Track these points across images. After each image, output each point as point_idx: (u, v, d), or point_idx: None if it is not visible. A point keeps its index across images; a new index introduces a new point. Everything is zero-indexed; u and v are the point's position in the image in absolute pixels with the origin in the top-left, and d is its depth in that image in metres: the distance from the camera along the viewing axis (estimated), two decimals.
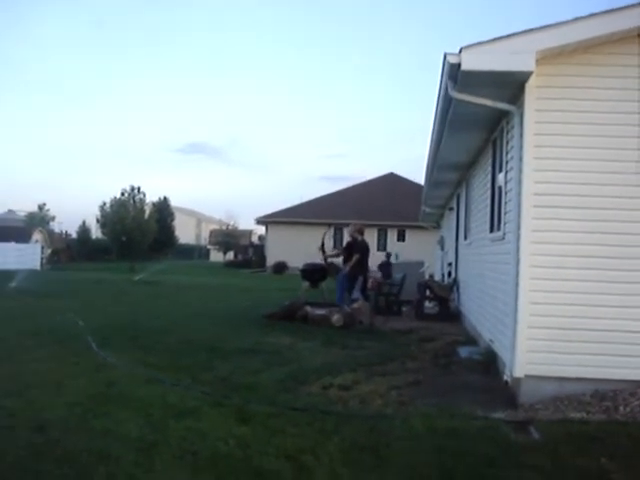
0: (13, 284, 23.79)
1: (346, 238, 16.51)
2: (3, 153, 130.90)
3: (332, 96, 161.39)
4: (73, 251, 65.56)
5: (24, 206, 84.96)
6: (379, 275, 19.83)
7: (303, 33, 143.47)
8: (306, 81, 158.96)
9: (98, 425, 5.64)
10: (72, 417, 5.90)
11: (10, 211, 78.25)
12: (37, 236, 54.99)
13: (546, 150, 6.79)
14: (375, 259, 19.94)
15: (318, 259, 16.37)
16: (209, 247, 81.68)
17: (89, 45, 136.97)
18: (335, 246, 30.81)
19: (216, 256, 74.43)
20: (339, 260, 15.68)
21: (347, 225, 16.46)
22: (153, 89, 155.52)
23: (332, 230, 37.85)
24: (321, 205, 47.23)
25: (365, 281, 14.73)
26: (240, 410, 6.22)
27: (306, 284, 16.16)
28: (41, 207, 79.27)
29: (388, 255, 26.54)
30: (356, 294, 14.09)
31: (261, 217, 49.66)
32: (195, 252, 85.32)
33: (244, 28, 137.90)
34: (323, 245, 16.15)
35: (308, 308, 13.71)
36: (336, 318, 12.90)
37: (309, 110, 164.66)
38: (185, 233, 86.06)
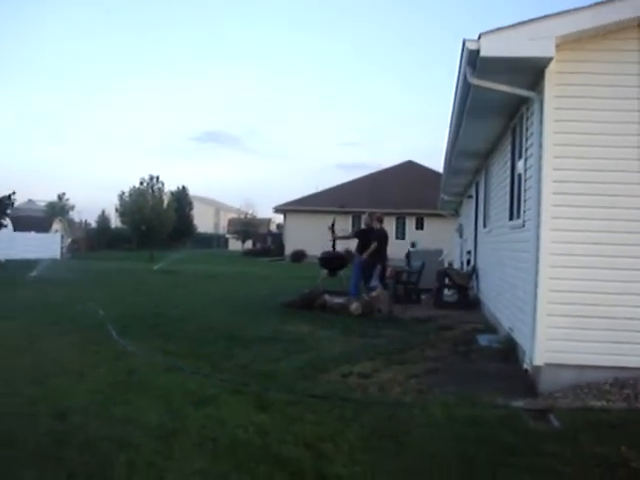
0: (34, 273, 23.97)
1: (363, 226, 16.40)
2: (22, 143, 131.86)
3: (350, 83, 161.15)
4: (93, 240, 65.93)
5: (44, 196, 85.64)
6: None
7: (319, 21, 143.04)
8: (323, 68, 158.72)
9: (118, 413, 5.68)
10: (93, 405, 5.95)
11: (30, 201, 78.62)
12: (57, 225, 55.31)
13: (566, 136, 6.74)
14: (396, 248, 19.91)
15: (328, 240, 16.33)
16: (227, 236, 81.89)
17: (106, 33, 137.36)
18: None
19: (235, 245, 74.60)
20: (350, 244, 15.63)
21: (364, 213, 16.37)
22: (170, 77, 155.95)
23: (350, 219, 37.84)
24: (339, 193, 47.16)
25: (384, 269, 14.69)
26: (259, 398, 6.25)
27: (324, 272, 16.16)
28: (61, 197, 79.79)
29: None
30: (374, 282, 14.05)
31: (279, 205, 49.70)
32: (214, 241, 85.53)
33: (260, 16, 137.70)
34: (333, 225, 16.13)
35: (326, 296, 13.73)
36: (354, 306, 12.90)
37: (326, 98, 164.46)
38: (203, 222, 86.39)
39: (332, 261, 16.13)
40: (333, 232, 15.92)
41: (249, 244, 68.94)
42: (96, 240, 66.37)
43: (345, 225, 21.57)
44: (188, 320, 11.76)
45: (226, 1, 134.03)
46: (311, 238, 37.34)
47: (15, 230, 39.40)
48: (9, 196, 24.62)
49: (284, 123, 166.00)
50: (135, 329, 10.44)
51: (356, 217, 40.14)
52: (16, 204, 28.25)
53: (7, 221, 28.48)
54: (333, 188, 50.01)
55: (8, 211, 25.78)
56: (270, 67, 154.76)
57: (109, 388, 6.55)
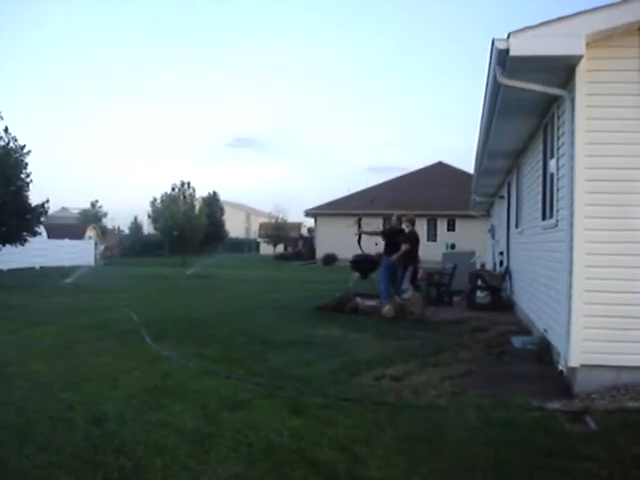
0: (69, 280, 24.26)
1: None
2: (56, 152, 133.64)
3: (380, 86, 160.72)
4: (126, 247, 66.55)
5: (77, 203, 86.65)
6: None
7: (350, 22, 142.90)
8: (352, 72, 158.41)
9: (154, 417, 5.72)
10: (128, 410, 5.99)
11: (64, 209, 79.70)
12: (90, 232, 55.95)
13: (598, 135, 6.66)
14: (428, 250, 19.82)
15: (354, 233, 16.33)
16: (259, 240, 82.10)
17: (137, 43, 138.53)
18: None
19: (266, 249, 74.81)
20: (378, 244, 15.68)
21: (394, 215, 16.39)
22: (200, 85, 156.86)
23: (381, 220, 37.74)
24: (370, 196, 46.96)
25: (415, 272, 14.65)
26: (293, 401, 6.25)
27: (356, 275, 16.16)
28: (94, 204, 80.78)
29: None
30: (405, 285, 14.02)
31: (310, 209, 49.71)
32: (245, 246, 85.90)
33: (287, 20, 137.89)
34: (360, 220, 16.18)
35: (358, 299, 13.74)
36: (387, 309, 12.87)
37: (356, 101, 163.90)
38: (235, 227, 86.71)
39: (364, 264, 16.13)
40: (359, 226, 15.95)
41: (280, 248, 69.09)
42: (129, 246, 67.00)
43: (375, 226, 21.95)
44: (221, 324, 11.83)
45: (252, 8, 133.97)
46: (342, 241, 37.30)
47: (49, 237, 39.84)
48: (43, 204, 24.84)
49: (313, 128, 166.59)
50: (169, 333, 10.53)
51: (387, 219, 40.06)
52: (50, 212, 28.50)
53: (41, 229, 28.79)
54: (364, 190, 49.92)
55: (42, 219, 26.02)
56: (300, 72, 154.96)
57: (144, 393, 6.59)
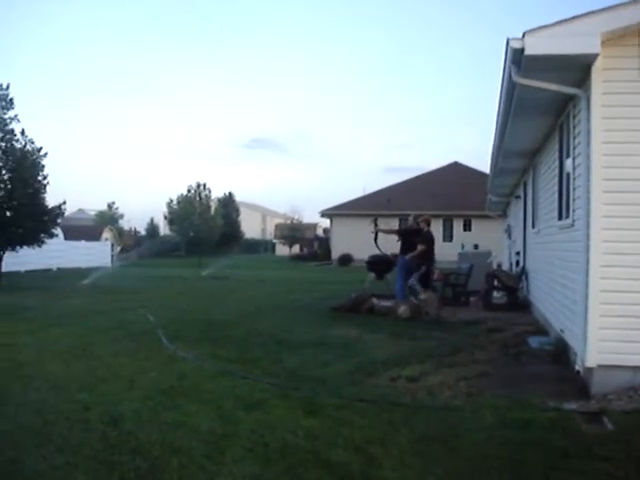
0: (86, 281, 24.40)
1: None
2: (72, 153, 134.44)
3: (396, 86, 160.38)
4: (142, 248, 66.86)
5: (94, 205, 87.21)
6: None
7: (365, 22, 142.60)
8: (369, 73, 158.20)
9: (170, 418, 5.74)
10: (144, 410, 6.02)
11: (80, 210, 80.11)
12: (107, 234, 56.27)
13: (615, 134, 6.61)
14: (444, 249, 19.77)
15: (371, 232, 16.33)
16: (275, 241, 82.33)
17: (153, 41, 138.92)
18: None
19: (282, 250, 75.00)
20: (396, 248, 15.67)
21: (410, 215, 16.41)
22: (217, 86, 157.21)
23: (397, 221, 37.72)
24: (386, 196, 46.92)
25: (430, 272, 14.62)
26: (308, 402, 6.26)
27: (371, 276, 16.15)
28: (110, 205, 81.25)
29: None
30: (412, 281, 13.99)
31: (325, 210, 49.72)
32: (261, 246, 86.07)
33: (302, 21, 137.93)
34: (376, 219, 16.21)
35: (374, 300, 13.73)
36: (402, 309, 12.85)
37: (372, 102, 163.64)
38: (250, 228, 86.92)
39: (379, 264, 16.11)
40: (376, 225, 15.95)
41: (296, 249, 69.22)
42: (146, 248, 67.33)
43: (392, 225, 22.07)
44: (237, 325, 11.86)
45: (266, 9, 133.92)
46: (358, 242, 37.32)
47: (66, 239, 40.04)
48: (60, 206, 24.95)
49: (329, 128, 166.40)
50: (185, 334, 10.57)
51: (403, 219, 39.99)
52: (66, 213, 28.63)
53: (58, 230, 28.94)
54: (380, 191, 49.90)
55: (59, 220, 26.14)
56: (316, 72, 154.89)
57: (160, 394, 6.62)
